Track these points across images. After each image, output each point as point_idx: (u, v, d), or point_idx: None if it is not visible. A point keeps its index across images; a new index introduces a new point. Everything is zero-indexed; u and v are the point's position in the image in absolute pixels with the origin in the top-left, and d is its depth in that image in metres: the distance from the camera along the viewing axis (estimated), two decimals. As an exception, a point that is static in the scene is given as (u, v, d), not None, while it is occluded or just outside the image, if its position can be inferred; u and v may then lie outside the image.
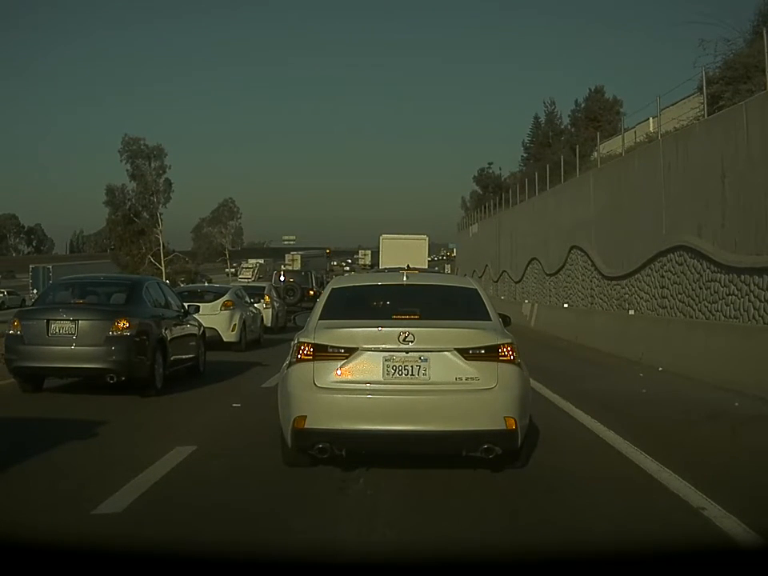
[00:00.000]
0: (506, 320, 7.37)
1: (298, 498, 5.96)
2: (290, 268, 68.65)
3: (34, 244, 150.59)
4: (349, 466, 6.64)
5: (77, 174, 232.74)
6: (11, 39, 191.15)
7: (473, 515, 5.63)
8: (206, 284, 30.94)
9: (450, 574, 2.66)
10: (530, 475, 6.73)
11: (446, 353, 6.45)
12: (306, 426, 6.37)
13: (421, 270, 12.97)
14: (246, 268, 68.63)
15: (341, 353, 6.44)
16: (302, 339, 6.63)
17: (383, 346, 6.45)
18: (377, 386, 6.42)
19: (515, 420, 6.36)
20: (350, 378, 6.42)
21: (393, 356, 6.43)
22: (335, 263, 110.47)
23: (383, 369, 6.43)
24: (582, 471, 6.95)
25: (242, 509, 5.60)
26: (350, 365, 6.43)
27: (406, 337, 6.42)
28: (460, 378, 6.41)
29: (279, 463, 6.84)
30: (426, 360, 6.43)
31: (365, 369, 6.43)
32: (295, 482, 6.41)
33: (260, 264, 72.01)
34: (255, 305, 22.07)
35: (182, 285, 41.53)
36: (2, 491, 6.08)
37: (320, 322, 6.84)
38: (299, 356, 6.53)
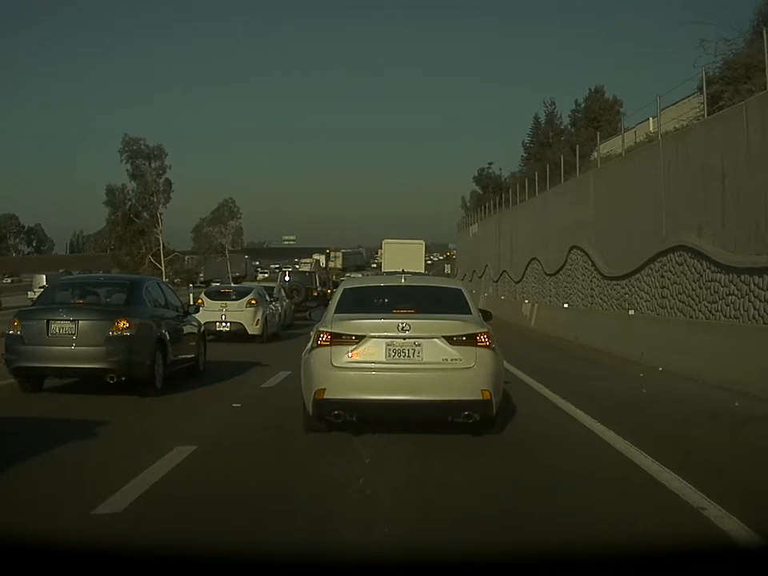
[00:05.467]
0: (487, 314, 8.97)
1: (298, 498, 5.96)
2: (332, 265, 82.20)
3: (34, 244, 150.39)
4: (348, 464, 6.64)
5: (77, 174, 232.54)
6: (11, 39, 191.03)
7: (473, 515, 5.62)
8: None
9: (450, 573, 2.66)
10: (530, 475, 6.74)
11: (435, 339, 7.96)
12: (325, 397, 7.86)
13: (415, 273, 14.62)
14: (304, 263, 75.56)
15: (352, 339, 7.96)
16: (321, 329, 8.14)
17: (386, 333, 7.97)
18: (380, 365, 7.92)
19: (490, 392, 7.87)
20: (359, 359, 7.92)
21: (393, 342, 7.94)
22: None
23: (386, 352, 7.94)
24: (582, 471, 6.95)
25: (241, 509, 5.60)
26: (360, 349, 7.94)
27: (403, 327, 7.95)
28: (446, 359, 7.92)
29: (279, 463, 6.89)
30: (419, 345, 7.94)
31: (371, 352, 7.94)
32: (295, 482, 6.42)
33: (316, 260, 78.77)
34: (274, 303, 23.97)
35: (215, 283, 43.80)
36: (2, 491, 6.08)
37: (335, 315, 8.36)
38: (319, 342, 8.03)
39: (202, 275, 75.41)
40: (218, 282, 51.09)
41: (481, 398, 7.82)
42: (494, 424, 8.20)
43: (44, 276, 52.06)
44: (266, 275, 71.76)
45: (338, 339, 7.98)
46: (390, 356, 7.93)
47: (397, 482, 6.44)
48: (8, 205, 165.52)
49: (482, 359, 7.94)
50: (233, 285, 34.28)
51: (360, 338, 7.95)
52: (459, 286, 9.52)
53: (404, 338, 7.93)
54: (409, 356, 7.93)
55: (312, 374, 8.04)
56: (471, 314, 8.54)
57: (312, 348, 8.14)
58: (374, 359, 7.93)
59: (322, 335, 8.06)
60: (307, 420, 8.25)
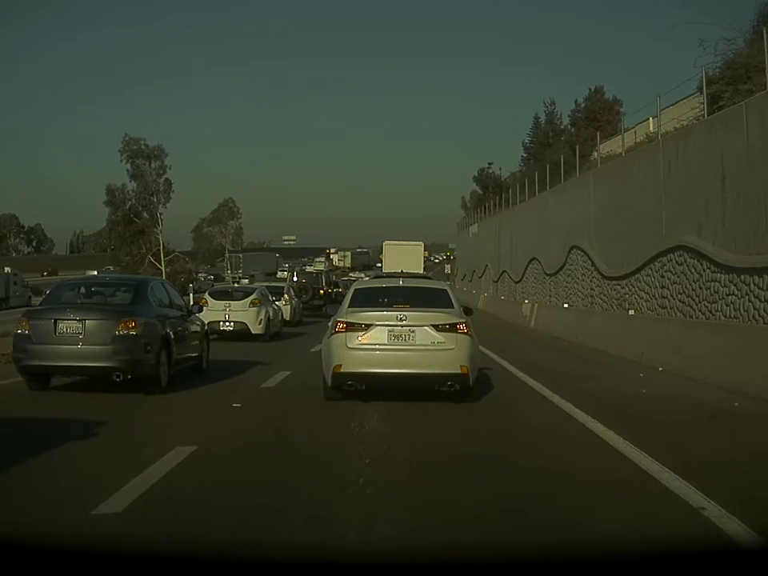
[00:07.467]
0: (468, 310, 11.22)
1: (298, 498, 5.96)
2: (341, 264, 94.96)
3: (34, 244, 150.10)
4: (348, 464, 6.64)
5: (77, 174, 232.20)
6: (11, 38, 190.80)
7: (473, 515, 5.62)
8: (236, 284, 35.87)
9: (450, 573, 2.66)
10: (531, 475, 6.74)
11: (425, 327, 10.21)
12: (341, 371, 10.14)
13: (412, 275, 18.13)
14: (318, 261, 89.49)
15: (362, 327, 10.24)
16: (338, 319, 10.50)
17: (387, 323, 10.24)
18: (384, 346, 10.19)
19: (468, 367, 10.13)
20: (367, 341, 10.20)
21: (393, 329, 10.20)
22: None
23: (387, 336, 10.20)
24: (582, 471, 6.95)
25: (241, 509, 5.59)
26: (368, 334, 10.22)
27: (401, 318, 10.23)
28: (434, 342, 10.17)
29: (279, 463, 6.90)
30: (413, 331, 10.19)
31: (376, 336, 10.20)
32: (295, 482, 6.41)
33: (330, 260, 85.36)
34: (277, 302, 24.57)
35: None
36: (2, 491, 6.08)
37: (348, 309, 10.65)
38: (336, 329, 10.34)
39: (240, 271, 78.96)
40: (245, 280, 52.91)
41: (460, 371, 10.07)
42: (471, 393, 10.40)
43: (95, 273, 54.13)
44: (285, 273, 75.18)
45: (351, 327, 10.23)
46: (391, 340, 10.18)
47: (397, 482, 6.44)
48: (8, 205, 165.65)
49: (461, 342, 10.18)
50: (235, 285, 35.24)
51: (368, 326, 10.21)
52: (445, 287, 12.02)
53: (401, 326, 10.17)
54: (405, 340, 10.18)
55: (331, 353, 10.26)
56: (454, 308, 10.75)
57: (331, 334, 10.41)
58: (379, 342, 10.17)
59: (338, 324, 10.36)
60: (326, 390, 10.43)
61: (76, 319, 11.08)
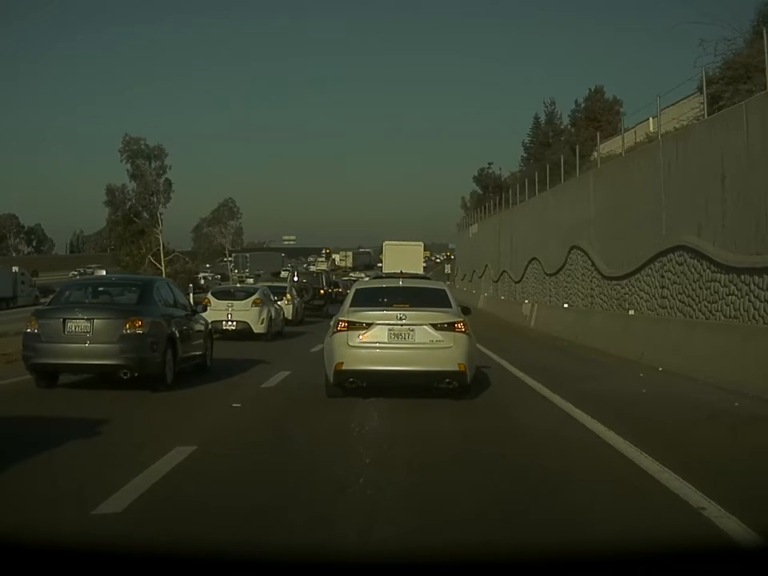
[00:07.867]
0: (466, 309, 11.60)
1: (298, 498, 5.95)
2: (343, 264, 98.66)
3: (34, 244, 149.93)
4: (349, 464, 6.64)
5: (77, 174, 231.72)
6: (11, 38, 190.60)
7: (473, 515, 5.61)
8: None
9: (451, 573, 2.66)
10: (531, 475, 6.74)
11: (424, 326, 10.46)
12: (343, 368, 10.41)
13: (411, 275, 18.19)
14: (321, 261, 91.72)
15: (363, 326, 10.50)
16: (340, 318, 10.75)
17: (388, 322, 10.49)
18: (384, 344, 10.45)
19: (465, 365, 10.39)
20: (368, 340, 10.45)
21: (393, 328, 10.46)
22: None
23: (388, 335, 10.46)
24: (582, 471, 6.95)
25: (241, 509, 5.58)
26: (369, 333, 10.47)
27: (401, 317, 10.49)
28: (432, 341, 10.41)
29: (278, 463, 6.89)
30: (413, 330, 10.45)
31: (377, 335, 10.46)
32: (295, 483, 6.41)
33: (332, 259, 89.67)
34: (279, 302, 25.05)
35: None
36: (2, 491, 6.07)
37: (350, 308, 10.89)
38: (338, 328, 10.61)
39: (247, 270, 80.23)
40: (251, 279, 53.87)
41: (458, 369, 10.32)
42: (469, 390, 10.66)
43: (104, 271, 55.35)
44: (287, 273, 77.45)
45: (352, 326, 10.49)
46: (391, 338, 10.43)
47: (397, 482, 6.44)
48: (8, 205, 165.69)
49: (459, 341, 10.44)
50: (238, 285, 35.92)
51: (369, 325, 10.47)
52: (443, 287, 12.32)
53: (401, 325, 10.42)
54: (405, 338, 10.43)
55: (333, 351, 10.53)
56: (452, 308, 11.02)
57: (333, 333, 10.70)
58: (379, 340, 10.42)
59: (340, 323, 10.64)
60: (328, 387, 10.69)
61: (84, 318, 11.34)
